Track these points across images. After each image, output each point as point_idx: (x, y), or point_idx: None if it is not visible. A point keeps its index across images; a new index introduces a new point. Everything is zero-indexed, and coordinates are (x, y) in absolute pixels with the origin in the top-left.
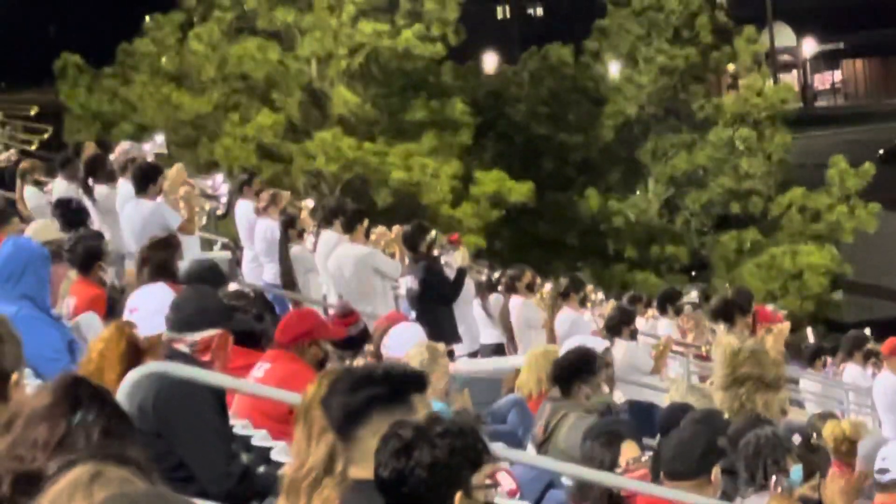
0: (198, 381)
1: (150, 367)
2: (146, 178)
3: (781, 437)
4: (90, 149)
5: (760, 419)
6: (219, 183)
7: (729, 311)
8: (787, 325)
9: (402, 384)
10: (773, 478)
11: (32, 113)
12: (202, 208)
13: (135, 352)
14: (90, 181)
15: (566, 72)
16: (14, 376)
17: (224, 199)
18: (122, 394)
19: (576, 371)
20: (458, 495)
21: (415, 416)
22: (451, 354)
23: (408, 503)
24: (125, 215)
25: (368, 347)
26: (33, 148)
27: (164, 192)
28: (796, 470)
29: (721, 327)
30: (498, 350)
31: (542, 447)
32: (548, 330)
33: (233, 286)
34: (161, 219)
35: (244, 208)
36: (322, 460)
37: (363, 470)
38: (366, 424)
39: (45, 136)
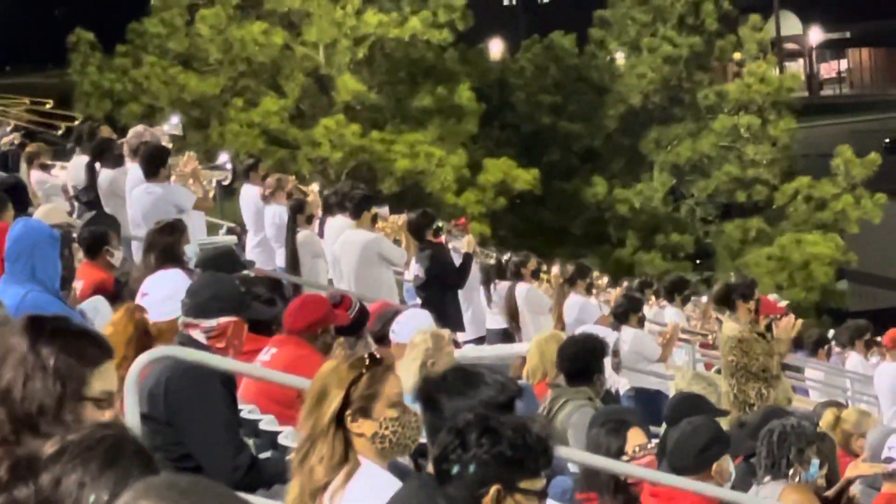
0: (209, 370)
1: (159, 351)
2: (156, 162)
3: (806, 428)
4: (104, 132)
5: (780, 409)
6: (224, 159)
7: (730, 298)
8: (791, 319)
9: (513, 394)
10: (793, 469)
11: (47, 107)
12: (210, 182)
13: (144, 336)
14: (96, 165)
15: (570, 60)
16: None
17: (229, 167)
18: (132, 378)
19: (586, 360)
20: (496, 488)
21: None
22: (455, 343)
23: (447, 480)
24: (134, 200)
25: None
26: (60, 133)
27: (173, 175)
28: (815, 464)
29: (725, 315)
30: (505, 335)
31: None
32: (556, 315)
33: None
34: (173, 201)
35: (249, 193)
36: (335, 446)
37: None
38: None
39: (47, 106)
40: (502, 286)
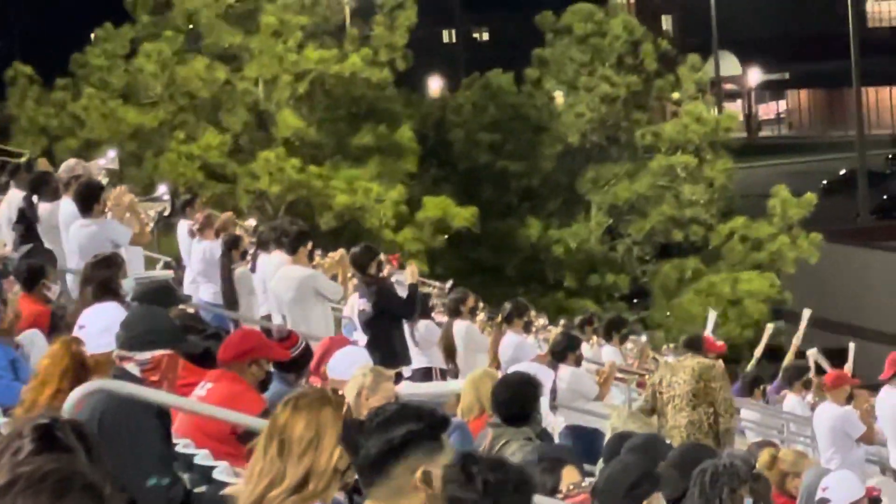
0: (144, 403)
1: (95, 384)
2: (90, 198)
3: (739, 467)
4: (41, 165)
5: (709, 448)
6: (163, 190)
7: (701, 344)
8: None
9: (435, 422)
10: None
11: None
12: (148, 214)
13: (80, 369)
14: (34, 198)
15: (507, 99)
16: None
17: (167, 198)
18: (67, 411)
19: (522, 404)
20: None
21: (445, 454)
22: (399, 377)
23: None
24: (71, 235)
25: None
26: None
27: (109, 210)
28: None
29: (687, 355)
30: (426, 374)
31: None
32: (491, 354)
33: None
34: (109, 236)
35: (185, 228)
36: (298, 482)
37: None
38: (403, 461)
39: None
40: (421, 324)
